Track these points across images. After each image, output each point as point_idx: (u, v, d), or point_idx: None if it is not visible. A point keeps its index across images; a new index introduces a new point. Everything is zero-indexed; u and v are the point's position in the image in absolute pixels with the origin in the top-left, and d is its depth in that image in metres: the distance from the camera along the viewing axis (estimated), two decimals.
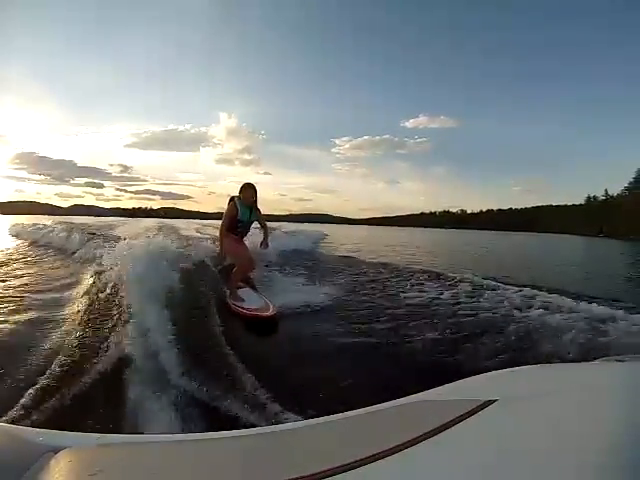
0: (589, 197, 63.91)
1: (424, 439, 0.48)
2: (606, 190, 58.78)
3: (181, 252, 3.63)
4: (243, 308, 3.37)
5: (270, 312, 3.27)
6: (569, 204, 66.26)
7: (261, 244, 4.00)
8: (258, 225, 4.00)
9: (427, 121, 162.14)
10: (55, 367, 2.00)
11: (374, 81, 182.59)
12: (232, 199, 3.76)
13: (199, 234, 9.28)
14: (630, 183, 52.69)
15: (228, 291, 3.72)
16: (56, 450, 0.51)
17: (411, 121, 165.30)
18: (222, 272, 4.16)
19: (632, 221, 42.63)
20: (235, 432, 0.65)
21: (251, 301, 3.54)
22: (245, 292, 3.80)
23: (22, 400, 1.69)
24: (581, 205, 64.47)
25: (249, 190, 3.73)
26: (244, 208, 3.72)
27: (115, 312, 2.58)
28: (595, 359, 0.88)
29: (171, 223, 15.16)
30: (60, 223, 11.54)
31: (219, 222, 3.91)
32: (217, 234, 4.06)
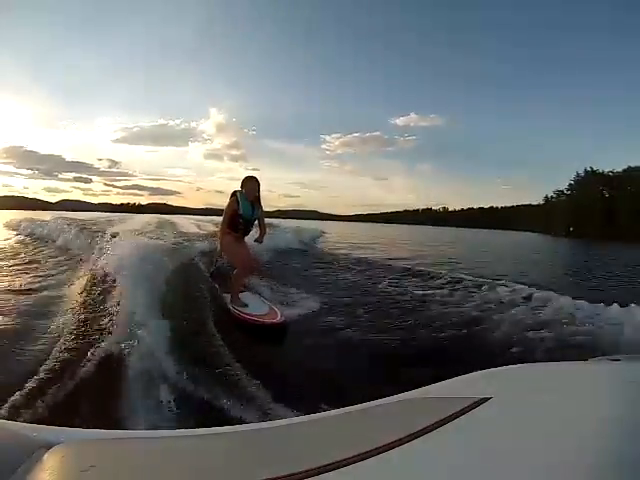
0: (546, 197, 64.80)
1: (417, 437, 0.46)
2: (562, 191, 59.61)
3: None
4: (247, 314, 2.93)
5: (278, 319, 2.83)
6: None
7: (256, 239, 3.43)
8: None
9: (417, 119, 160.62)
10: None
11: (366, 79, 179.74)
12: (234, 193, 3.22)
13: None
14: (570, 185, 53.51)
15: (228, 295, 3.21)
16: (49, 446, 0.49)
17: (401, 119, 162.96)
18: (217, 273, 3.69)
19: (568, 220, 44.19)
20: (229, 428, 0.63)
21: (255, 306, 3.07)
22: (248, 296, 3.29)
23: (15, 396, 1.62)
24: (539, 205, 65.57)
25: (252, 183, 3.23)
26: (246, 203, 3.18)
27: None
28: (588, 359, 0.89)
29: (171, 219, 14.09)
30: (60, 218, 9.32)
31: (212, 217, 3.76)
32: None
